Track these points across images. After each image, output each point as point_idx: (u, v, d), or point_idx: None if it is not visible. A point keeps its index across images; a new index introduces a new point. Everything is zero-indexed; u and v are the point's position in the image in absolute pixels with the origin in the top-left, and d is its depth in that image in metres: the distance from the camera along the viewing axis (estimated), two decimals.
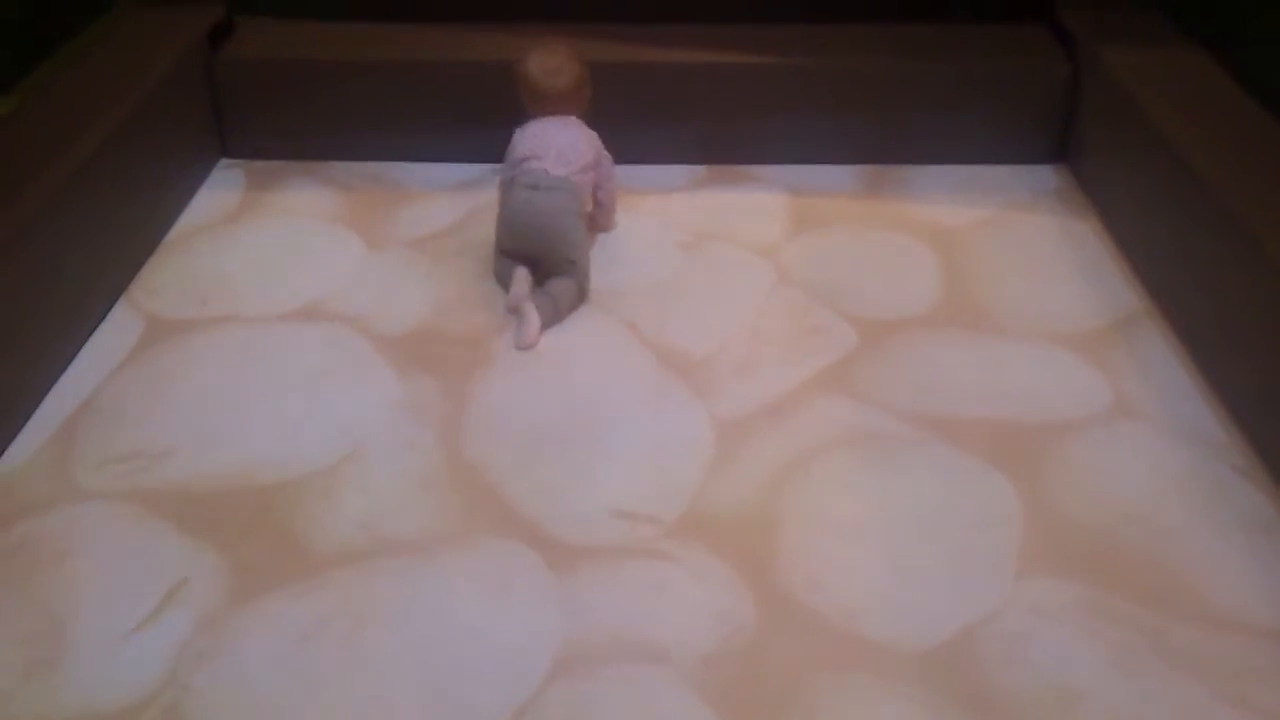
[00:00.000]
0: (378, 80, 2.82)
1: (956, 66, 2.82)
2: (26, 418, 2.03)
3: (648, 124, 2.83)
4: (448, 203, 2.72)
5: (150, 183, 2.55)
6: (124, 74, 2.59)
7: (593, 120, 2.53)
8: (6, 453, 1.96)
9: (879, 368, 2.18)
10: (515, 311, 2.26)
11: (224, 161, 2.88)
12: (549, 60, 2.46)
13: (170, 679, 1.57)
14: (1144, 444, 1.99)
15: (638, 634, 1.64)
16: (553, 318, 2.27)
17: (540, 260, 2.33)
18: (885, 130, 2.86)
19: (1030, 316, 2.32)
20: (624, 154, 2.69)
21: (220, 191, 2.77)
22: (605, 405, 2.08)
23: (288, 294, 2.38)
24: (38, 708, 1.53)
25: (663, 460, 1.96)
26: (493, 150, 2.56)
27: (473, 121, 2.79)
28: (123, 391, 2.11)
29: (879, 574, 1.74)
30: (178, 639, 1.63)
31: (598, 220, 2.55)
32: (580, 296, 2.33)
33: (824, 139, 2.87)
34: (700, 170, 2.86)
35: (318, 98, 2.84)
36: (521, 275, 2.30)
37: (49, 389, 2.10)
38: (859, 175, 2.85)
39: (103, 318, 2.29)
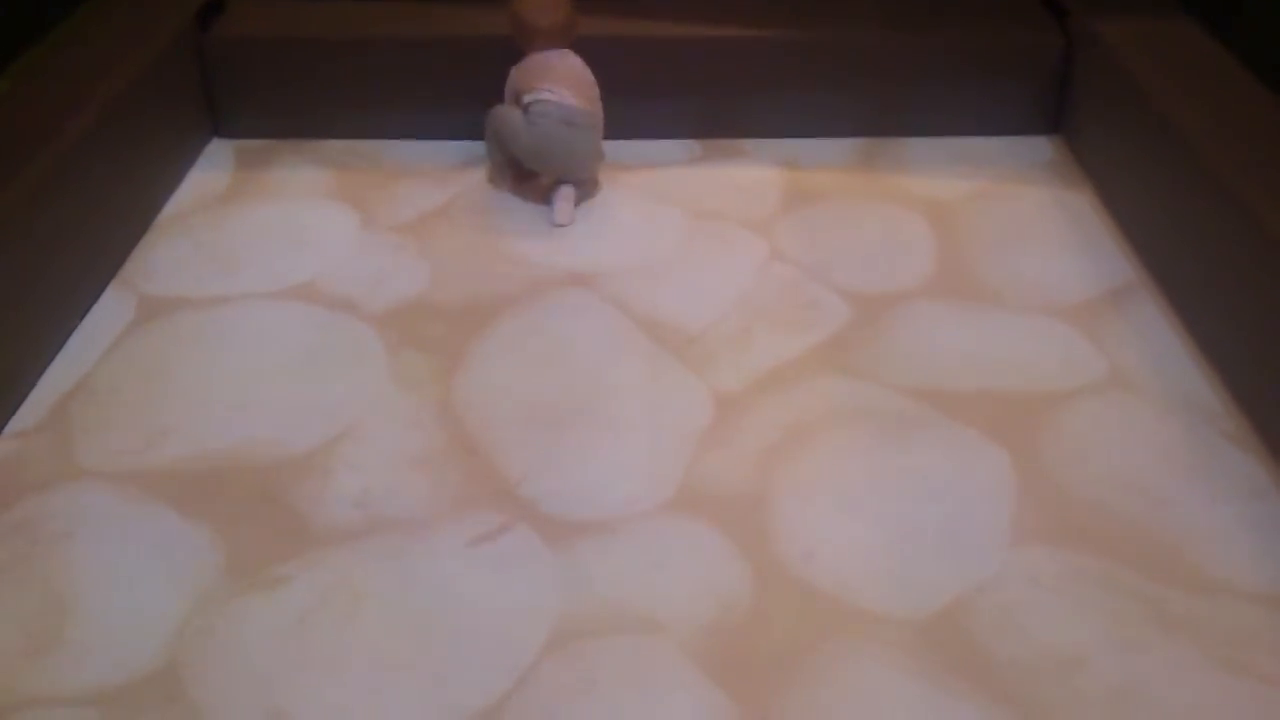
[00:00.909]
0: (369, 58, 2.81)
1: (949, 38, 2.82)
2: (22, 399, 2.03)
3: (640, 99, 2.82)
4: (441, 180, 2.71)
5: (142, 163, 2.54)
6: (114, 54, 2.57)
7: None
8: (3, 435, 1.96)
9: (874, 341, 2.18)
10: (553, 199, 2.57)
11: (215, 141, 2.87)
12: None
13: (170, 658, 1.58)
14: (1138, 413, 2.00)
15: (635, 606, 1.65)
16: (576, 188, 2.59)
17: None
18: (879, 103, 2.85)
19: (1025, 288, 2.32)
20: (617, 129, 2.68)
21: (212, 171, 2.75)
22: (600, 380, 2.08)
23: (281, 273, 2.38)
24: (39, 687, 1.54)
25: (658, 434, 1.96)
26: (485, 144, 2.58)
27: (466, 98, 2.77)
28: (118, 372, 2.10)
29: (875, 545, 1.75)
30: (177, 618, 1.63)
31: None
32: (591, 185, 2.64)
33: (817, 113, 2.86)
34: (694, 145, 2.85)
35: (309, 76, 2.82)
36: (568, 192, 2.57)
37: (44, 370, 2.09)
38: (853, 149, 2.84)
39: (96, 298, 2.29)
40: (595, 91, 2.57)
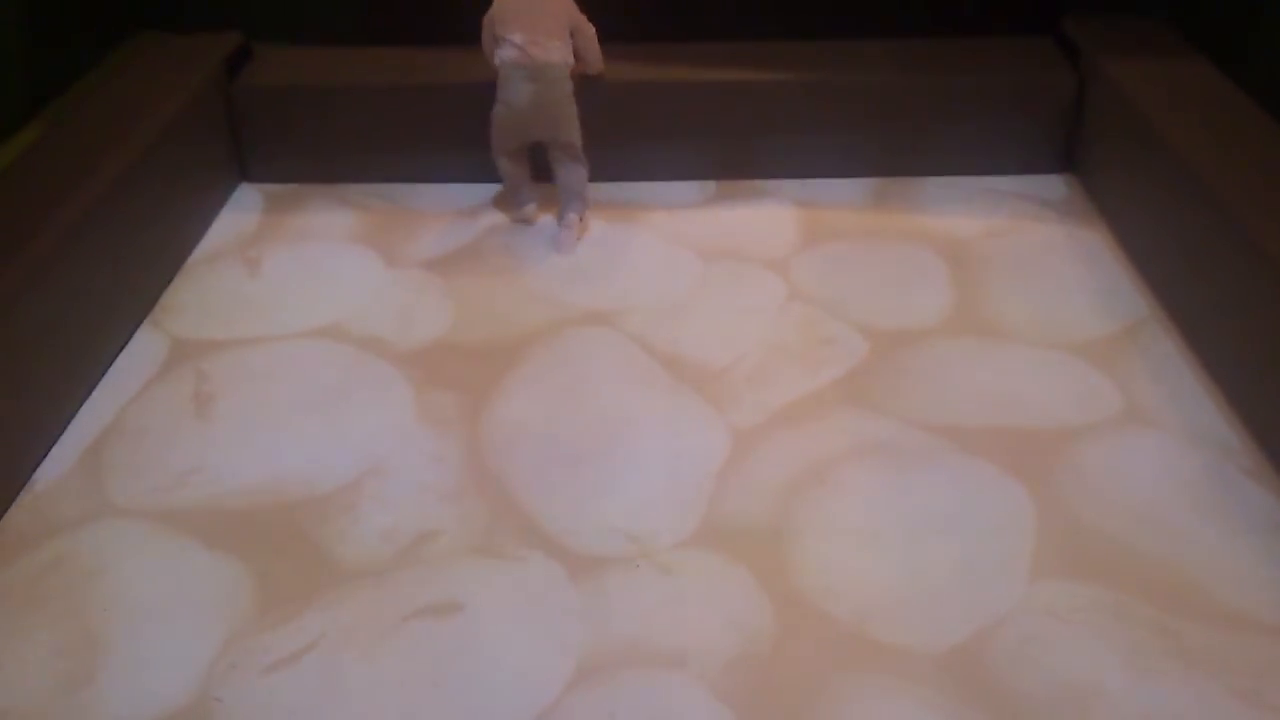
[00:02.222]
0: (392, 104, 2.87)
1: (963, 79, 2.86)
2: (55, 439, 2.07)
3: (658, 141, 2.87)
4: (462, 221, 2.77)
5: (172, 207, 2.61)
6: (145, 101, 2.65)
7: (604, 137, 2.56)
8: (37, 473, 2.00)
9: (891, 377, 2.21)
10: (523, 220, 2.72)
11: (244, 185, 2.94)
12: None
13: (201, 693, 1.60)
14: (1155, 448, 2.02)
15: (658, 641, 1.67)
16: (582, 206, 2.67)
17: (541, 144, 2.65)
18: (893, 143, 2.90)
19: (1040, 324, 2.35)
20: (637, 171, 2.73)
21: (240, 215, 2.82)
22: (622, 417, 2.11)
23: (308, 313, 2.43)
24: None
25: (680, 470, 1.99)
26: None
27: (484, 141, 2.82)
28: (148, 412, 2.15)
29: (894, 579, 1.76)
30: (208, 653, 1.66)
31: (586, 71, 2.69)
32: (584, 173, 2.66)
33: (833, 153, 2.90)
34: (711, 186, 2.90)
35: (333, 122, 2.89)
36: (531, 210, 2.72)
37: (77, 410, 2.14)
38: (868, 188, 2.88)
39: (128, 340, 2.34)
40: (565, 28, 2.56)
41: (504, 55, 2.54)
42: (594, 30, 2.65)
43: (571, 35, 2.58)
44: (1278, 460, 1.95)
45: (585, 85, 2.66)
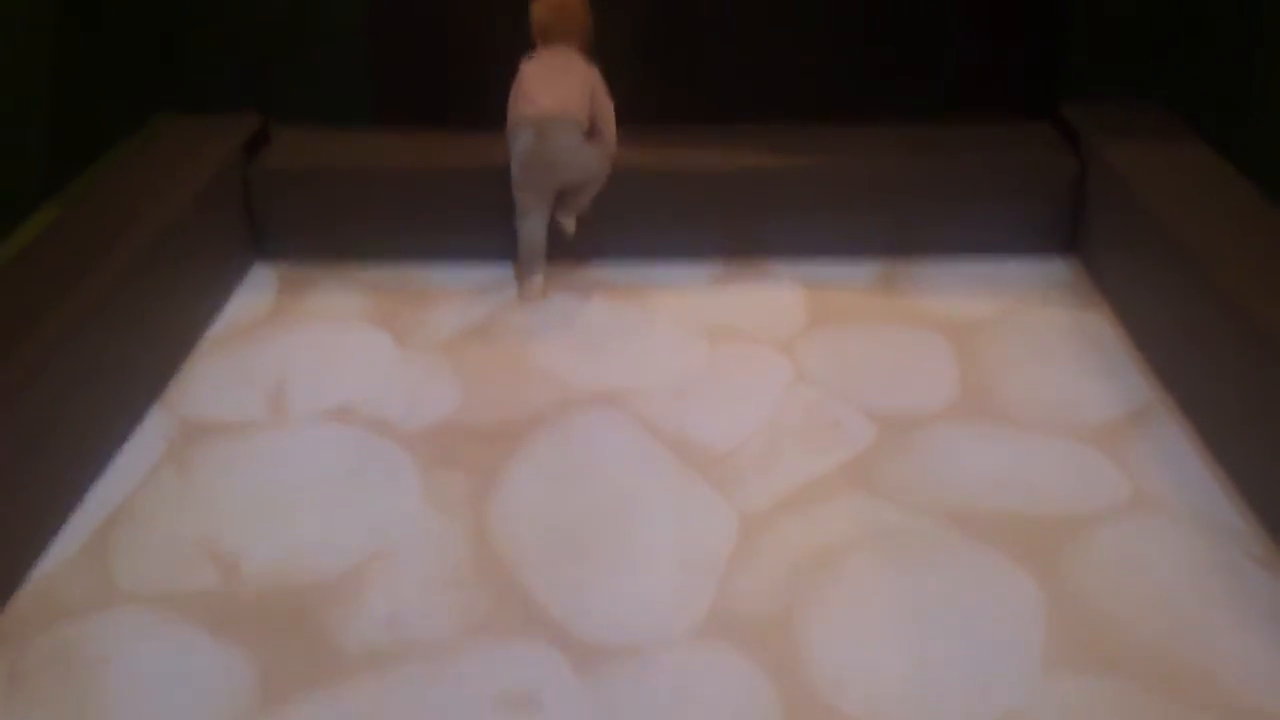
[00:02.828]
0: (405, 186, 2.92)
1: (965, 163, 2.90)
2: (63, 522, 2.08)
3: (665, 223, 2.91)
4: (472, 302, 2.80)
5: (187, 287, 2.64)
6: (163, 181, 2.70)
7: (610, 218, 2.58)
8: (44, 557, 2.00)
9: (898, 462, 2.21)
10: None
11: (258, 265, 2.98)
12: (554, 2, 2.74)
13: None
14: (1164, 536, 2.01)
15: None
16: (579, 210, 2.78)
17: (559, 188, 2.73)
18: (898, 226, 2.93)
19: (1047, 409, 2.35)
20: (645, 252, 2.77)
21: (255, 295, 2.85)
22: (629, 501, 2.12)
23: (319, 395, 2.44)
24: None
25: (686, 556, 1.98)
26: (514, 251, 2.66)
27: (493, 224, 2.87)
28: (157, 496, 2.16)
29: (904, 672, 1.75)
30: None
31: (598, 145, 2.75)
32: (592, 199, 2.76)
33: (839, 235, 2.94)
34: (717, 268, 2.93)
35: (348, 204, 2.94)
36: (538, 283, 2.77)
37: (85, 492, 2.15)
38: (874, 270, 2.91)
39: (139, 422, 2.35)
40: (584, 93, 2.67)
41: (521, 111, 2.65)
42: (612, 106, 2.71)
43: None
44: None
45: None
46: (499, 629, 1.84)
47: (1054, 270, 2.89)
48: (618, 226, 2.79)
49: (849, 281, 2.86)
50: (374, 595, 1.91)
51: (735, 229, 2.94)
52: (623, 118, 2.79)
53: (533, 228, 2.74)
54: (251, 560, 1.99)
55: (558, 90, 2.65)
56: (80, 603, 1.91)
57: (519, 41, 2.75)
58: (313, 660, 1.79)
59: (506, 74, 2.73)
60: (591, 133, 2.71)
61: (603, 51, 2.76)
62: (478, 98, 2.82)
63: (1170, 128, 2.88)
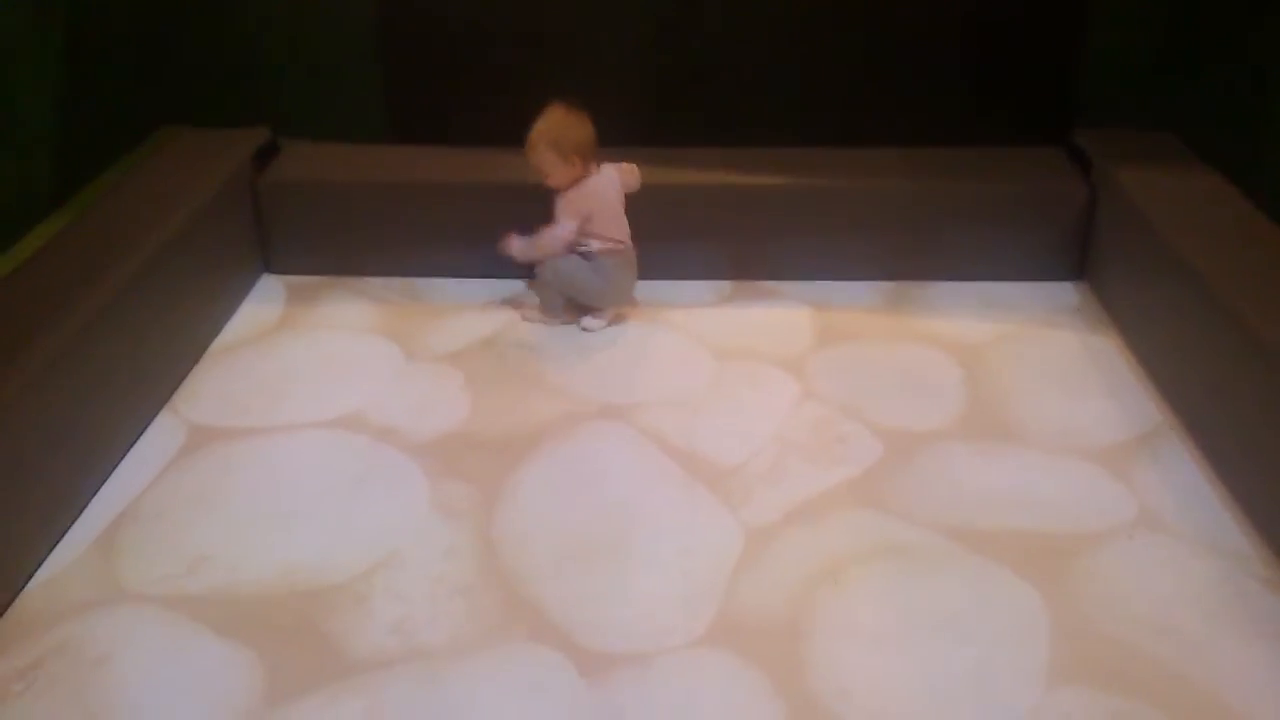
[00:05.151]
0: (412, 200, 2.94)
1: (976, 187, 2.92)
2: (72, 522, 2.08)
3: (674, 242, 2.92)
4: (480, 315, 2.81)
5: (196, 296, 2.65)
6: (172, 192, 2.71)
7: None
8: (51, 557, 2.00)
9: (905, 479, 2.21)
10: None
11: (266, 276, 2.99)
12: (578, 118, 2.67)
13: None
14: (1169, 556, 2.01)
15: None
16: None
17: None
18: (907, 248, 2.94)
19: (1054, 430, 2.36)
20: (654, 271, 2.78)
21: (263, 305, 2.86)
22: (635, 512, 2.12)
23: (327, 403, 2.45)
24: None
25: (692, 567, 1.98)
26: (521, 266, 2.69)
27: (500, 238, 2.88)
28: (164, 498, 2.16)
29: (910, 684, 1.74)
30: None
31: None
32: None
33: (846, 256, 2.95)
34: (726, 286, 2.94)
35: (356, 217, 2.96)
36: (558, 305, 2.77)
37: (93, 495, 2.15)
38: (881, 291, 2.92)
39: (147, 426, 2.36)
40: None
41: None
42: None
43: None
44: None
45: None
46: (505, 636, 1.84)
47: (1063, 294, 2.90)
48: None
49: (857, 302, 2.87)
50: (380, 600, 1.91)
51: (745, 249, 2.96)
52: (634, 140, 2.82)
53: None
54: (258, 563, 1.99)
55: (619, 210, 2.72)
56: (86, 601, 1.90)
57: (526, 59, 2.76)
58: (318, 662, 1.79)
59: (514, 91, 2.74)
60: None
61: (614, 74, 2.78)
62: (487, 113, 2.84)
63: (1181, 156, 2.89)
